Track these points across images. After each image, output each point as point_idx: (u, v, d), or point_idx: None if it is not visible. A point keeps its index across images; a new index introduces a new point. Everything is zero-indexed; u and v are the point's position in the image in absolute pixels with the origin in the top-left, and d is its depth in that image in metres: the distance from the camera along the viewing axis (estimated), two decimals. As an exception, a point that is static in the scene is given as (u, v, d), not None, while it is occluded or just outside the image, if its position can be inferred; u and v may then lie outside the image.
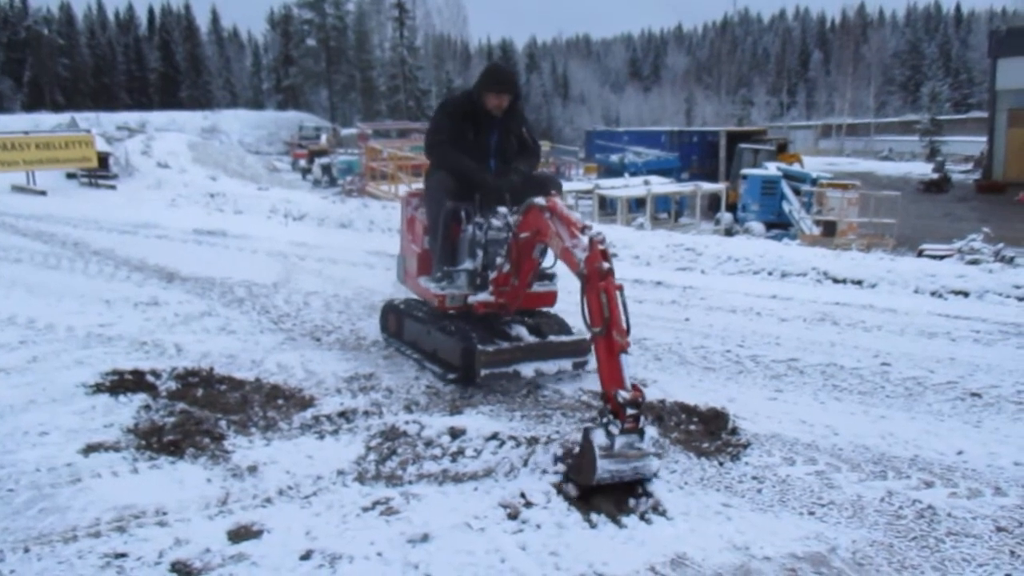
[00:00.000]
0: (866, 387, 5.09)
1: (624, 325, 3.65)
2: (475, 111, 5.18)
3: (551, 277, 5.23)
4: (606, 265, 3.73)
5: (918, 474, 3.80)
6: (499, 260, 4.85)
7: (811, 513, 3.42)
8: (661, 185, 24.62)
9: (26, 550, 3.03)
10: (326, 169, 35.54)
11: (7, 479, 3.59)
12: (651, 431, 3.59)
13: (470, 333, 4.91)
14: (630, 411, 3.46)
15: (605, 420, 3.51)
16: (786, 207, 22.00)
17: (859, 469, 3.85)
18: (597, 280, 3.70)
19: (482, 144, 5.23)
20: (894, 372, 5.39)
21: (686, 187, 25.25)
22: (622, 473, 3.48)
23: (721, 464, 3.89)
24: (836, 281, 8.70)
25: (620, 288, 3.69)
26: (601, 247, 3.77)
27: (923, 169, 41.01)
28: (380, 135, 37.87)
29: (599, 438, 3.45)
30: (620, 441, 3.44)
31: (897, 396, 4.93)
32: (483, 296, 4.95)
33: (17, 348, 5.56)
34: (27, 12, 67.90)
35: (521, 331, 5.05)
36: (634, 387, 3.49)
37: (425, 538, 3.14)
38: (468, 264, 5.02)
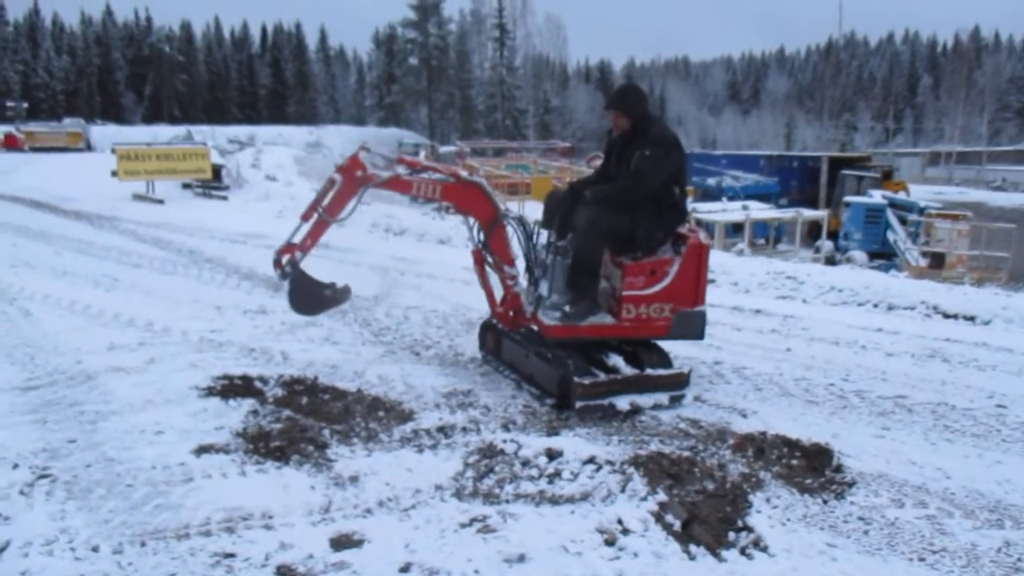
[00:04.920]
0: (980, 429, 4.86)
1: (320, 209, 5.02)
2: (611, 135, 5.41)
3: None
4: (352, 173, 5.02)
5: (1039, 525, 3.60)
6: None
7: (922, 559, 3.28)
8: (760, 210, 24.11)
9: (143, 544, 3.19)
10: (425, 186, 36.13)
11: (126, 475, 3.78)
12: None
13: (567, 361, 4.88)
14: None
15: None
16: (891, 236, 21.24)
17: (973, 516, 3.68)
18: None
19: (608, 166, 5.38)
20: (1011, 415, 5.12)
21: (787, 213, 24.64)
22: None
23: (825, 502, 3.77)
24: (947, 316, 8.31)
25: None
26: (357, 154, 5.09)
27: (1040, 201, 38.92)
28: (477, 153, 38.44)
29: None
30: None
31: (1015, 441, 4.69)
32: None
33: (136, 349, 5.86)
34: (151, 30, 71.96)
35: (618, 361, 4.97)
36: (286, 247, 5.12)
37: (522, 558, 3.15)
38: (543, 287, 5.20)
